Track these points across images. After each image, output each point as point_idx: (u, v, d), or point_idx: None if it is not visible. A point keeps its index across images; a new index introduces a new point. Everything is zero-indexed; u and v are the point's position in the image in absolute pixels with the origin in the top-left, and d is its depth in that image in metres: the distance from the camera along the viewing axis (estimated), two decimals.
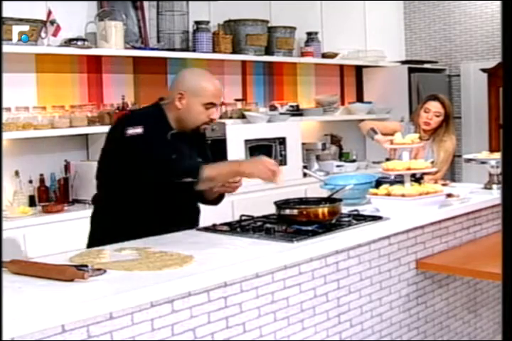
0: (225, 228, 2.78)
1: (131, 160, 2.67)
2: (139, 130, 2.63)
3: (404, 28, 7.23)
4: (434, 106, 4.13)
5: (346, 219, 2.83)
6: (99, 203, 2.92)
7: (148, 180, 2.67)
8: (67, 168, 4.33)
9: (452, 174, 6.57)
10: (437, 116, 4.12)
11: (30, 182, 4.13)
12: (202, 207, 2.99)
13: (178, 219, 2.81)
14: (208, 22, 5.08)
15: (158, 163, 2.63)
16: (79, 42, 4.25)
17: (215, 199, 2.99)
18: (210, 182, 2.64)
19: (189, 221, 2.87)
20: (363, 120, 6.34)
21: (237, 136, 4.83)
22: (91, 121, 4.37)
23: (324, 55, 6.12)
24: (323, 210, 2.69)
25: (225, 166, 2.72)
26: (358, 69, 6.77)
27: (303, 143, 5.53)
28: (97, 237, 2.81)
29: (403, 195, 3.02)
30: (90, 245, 2.75)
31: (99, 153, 2.93)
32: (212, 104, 2.75)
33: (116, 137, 2.75)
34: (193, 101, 2.72)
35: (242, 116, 5.27)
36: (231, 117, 5.28)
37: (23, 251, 3.65)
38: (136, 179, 2.71)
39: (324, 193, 3.19)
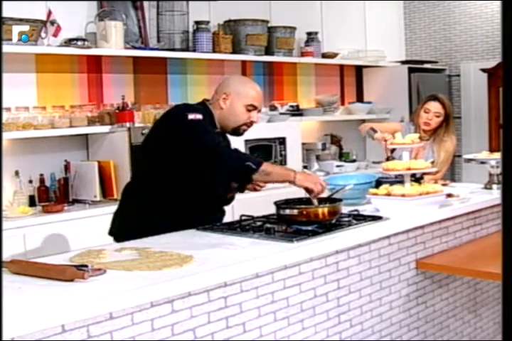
0: (225, 228, 2.78)
1: (189, 143, 2.73)
2: (199, 116, 2.75)
3: (404, 28, 7.23)
4: (434, 106, 4.12)
5: (346, 219, 2.83)
6: (128, 194, 3.00)
7: (206, 163, 2.74)
8: (67, 168, 4.33)
9: (452, 174, 6.57)
10: (437, 117, 4.12)
11: (30, 182, 4.13)
12: None
13: (206, 218, 2.87)
14: (208, 22, 5.08)
15: (220, 145, 2.74)
16: (79, 42, 4.25)
17: (229, 199, 3.11)
18: (264, 176, 2.71)
19: (214, 222, 2.91)
20: (363, 120, 6.39)
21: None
22: (91, 121, 4.37)
23: (324, 55, 6.12)
24: (323, 210, 2.69)
25: (282, 169, 2.90)
26: (358, 69, 6.77)
27: (303, 143, 5.53)
28: (121, 230, 2.90)
29: (403, 195, 3.02)
30: (118, 236, 2.84)
31: (143, 141, 3.05)
32: (254, 107, 2.90)
33: (172, 122, 2.83)
34: (236, 102, 2.87)
35: None
36: None
37: (23, 251, 3.65)
38: (184, 166, 2.79)
39: (324, 193, 3.19)
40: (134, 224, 2.85)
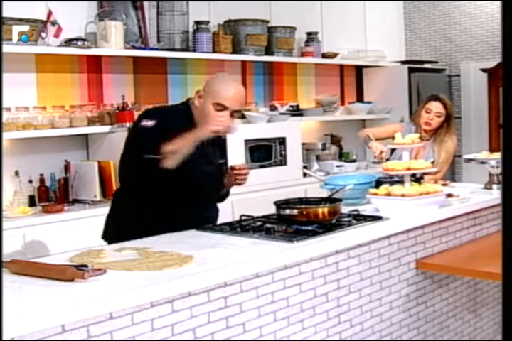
0: (225, 228, 2.78)
1: (134, 150, 2.79)
2: (149, 123, 2.72)
3: (404, 28, 7.23)
4: (436, 106, 4.13)
5: (346, 219, 2.83)
6: (118, 198, 3.03)
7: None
8: (67, 168, 4.34)
9: (452, 174, 6.57)
10: (438, 117, 4.12)
11: (30, 182, 4.13)
12: None
13: (199, 218, 2.86)
14: (208, 22, 5.08)
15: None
16: (79, 42, 4.25)
17: (222, 196, 3.11)
18: (174, 155, 2.62)
19: (208, 220, 2.91)
20: (363, 120, 6.39)
21: (237, 136, 4.81)
22: (91, 121, 4.37)
23: (324, 55, 6.12)
24: (323, 210, 2.69)
25: (184, 137, 2.65)
26: (358, 69, 6.77)
27: (303, 143, 5.53)
28: (116, 232, 2.90)
29: (403, 195, 3.02)
30: (110, 238, 2.85)
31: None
32: (223, 107, 2.74)
33: (133, 127, 2.93)
34: (206, 101, 2.78)
35: (242, 116, 5.27)
36: None
37: (23, 251, 3.65)
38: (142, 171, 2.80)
39: (324, 193, 3.19)
40: (129, 226, 2.84)
